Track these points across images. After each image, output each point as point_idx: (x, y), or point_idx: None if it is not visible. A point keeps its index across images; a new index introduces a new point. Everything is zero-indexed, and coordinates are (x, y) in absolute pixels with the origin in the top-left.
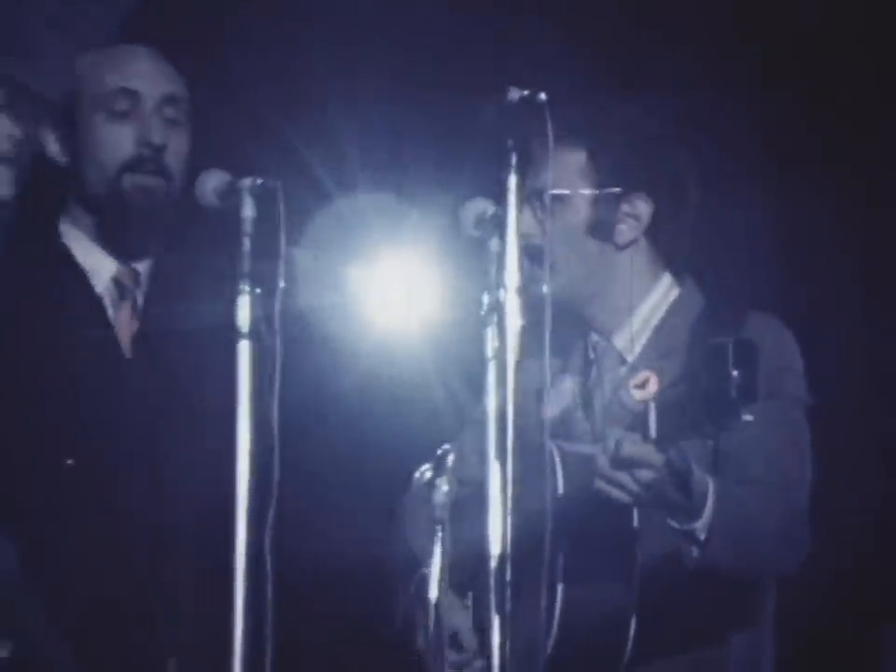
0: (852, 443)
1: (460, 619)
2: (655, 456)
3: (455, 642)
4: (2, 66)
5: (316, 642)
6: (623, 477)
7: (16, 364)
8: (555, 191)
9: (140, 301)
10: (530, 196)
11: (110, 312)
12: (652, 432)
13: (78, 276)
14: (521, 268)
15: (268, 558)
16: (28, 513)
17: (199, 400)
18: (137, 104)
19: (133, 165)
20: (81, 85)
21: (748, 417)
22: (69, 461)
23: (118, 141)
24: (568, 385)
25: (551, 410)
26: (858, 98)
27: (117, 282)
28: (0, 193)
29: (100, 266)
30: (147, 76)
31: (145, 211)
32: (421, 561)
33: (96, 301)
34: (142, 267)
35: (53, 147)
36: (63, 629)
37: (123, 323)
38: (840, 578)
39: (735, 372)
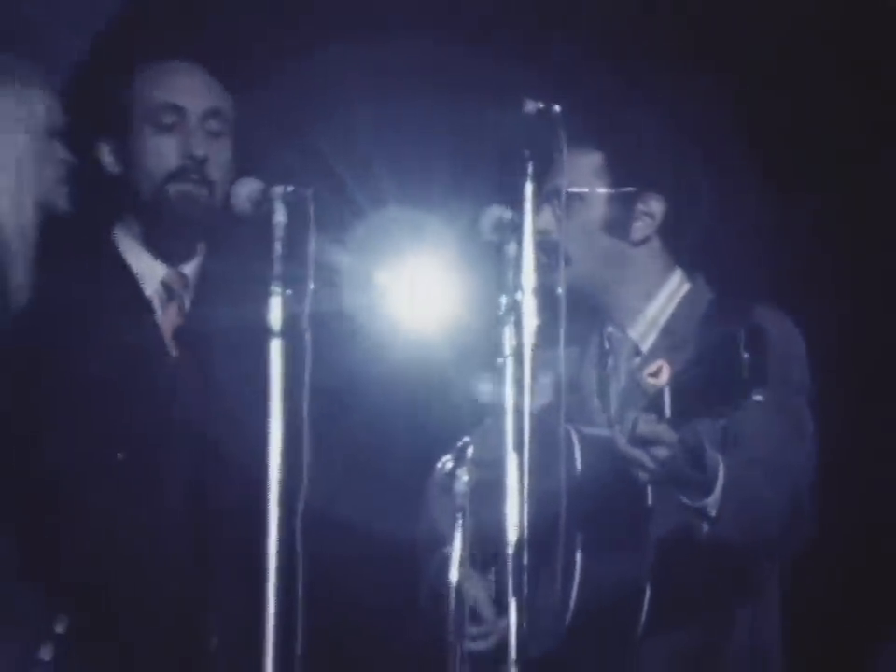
0: (851, 428)
1: (481, 593)
2: (669, 435)
3: (475, 615)
4: (55, 91)
5: (345, 617)
6: (641, 454)
7: (71, 362)
8: (574, 190)
9: (187, 303)
10: (549, 195)
11: (158, 313)
12: (667, 413)
13: (130, 280)
14: (538, 264)
15: (299, 540)
16: (81, 503)
17: (238, 396)
18: (182, 117)
19: (177, 175)
20: (133, 100)
21: (757, 398)
22: (119, 455)
23: (164, 152)
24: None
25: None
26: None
27: (165, 285)
28: (58, 209)
29: (150, 270)
30: (191, 91)
31: (188, 217)
32: (443, 540)
33: (146, 304)
34: (189, 270)
35: (108, 158)
36: (112, 609)
37: (170, 324)
38: (845, 556)
39: (746, 355)
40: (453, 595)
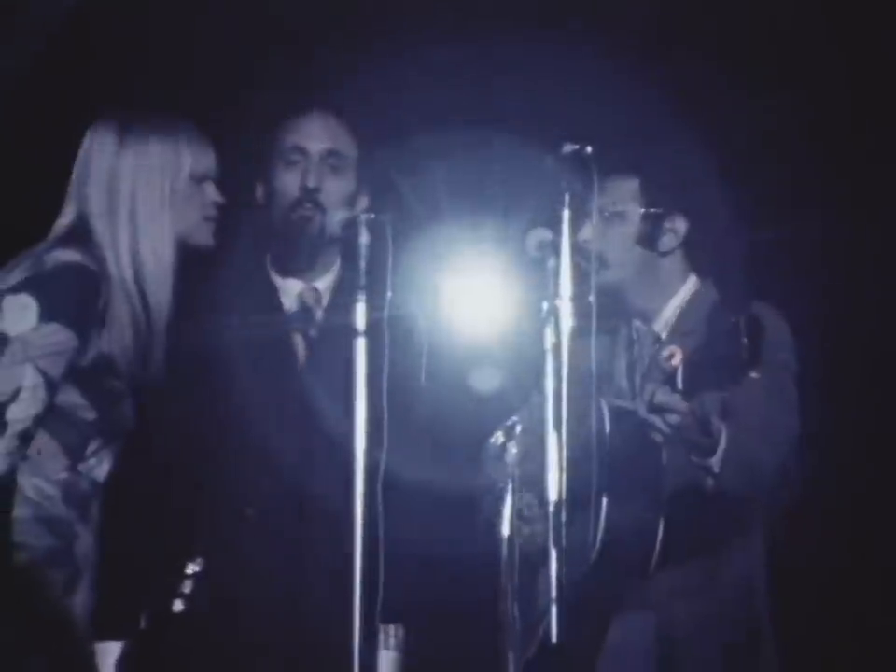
0: (831, 401)
1: (528, 499)
2: (681, 404)
3: (522, 516)
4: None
5: (420, 556)
6: (657, 420)
7: (219, 367)
8: (615, 209)
9: (319, 314)
10: (591, 213)
11: (294, 325)
12: (679, 386)
13: (273, 294)
14: (576, 271)
15: (380, 497)
16: (225, 493)
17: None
18: (305, 157)
19: (296, 203)
20: (275, 144)
21: (753, 375)
22: (257, 452)
23: (289, 185)
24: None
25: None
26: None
27: (301, 298)
28: (205, 243)
29: (289, 285)
30: (313, 135)
31: (308, 238)
32: (494, 494)
33: (284, 314)
34: (321, 285)
35: (259, 193)
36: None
37: (301, 333)
38: (822, 505)
39: (744, 340)
40: (505, 546)
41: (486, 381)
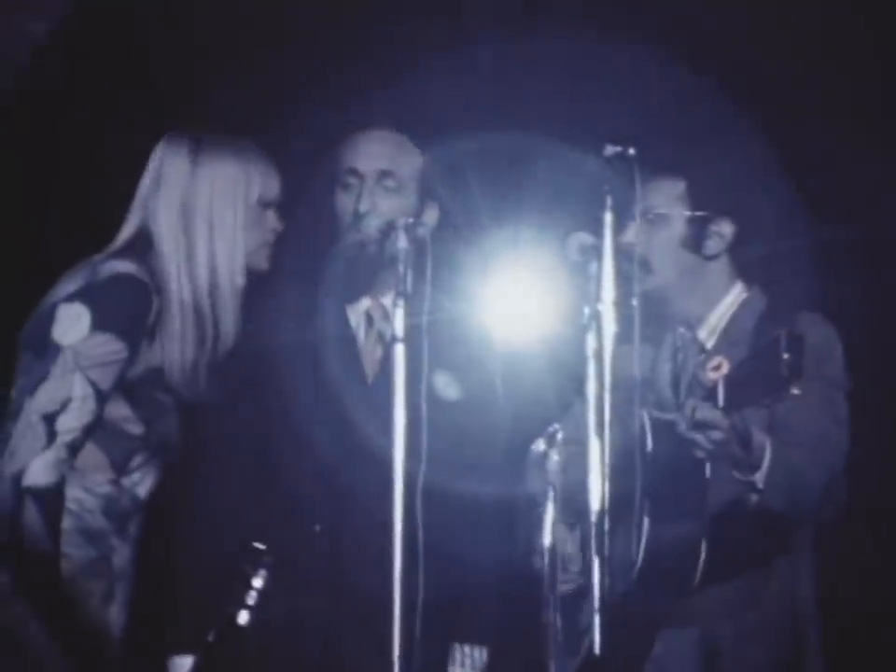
0: (883, 420)
1: (568, 548)
2: (723, 421)
3: (565, 566)
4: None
5: (456, 567)
6: (699, 436)
7: (278, 383)
8: (660, 211)
9: (387, 332)
10: (636, 216)
11: (360, 340)
12: (721, 402)
13: (341, 310)
14: (619, 275)
15: (419, 508)
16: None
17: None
18: (360, 178)
19: (349, 227)
20: (334, 165)
21: (795, 391)
22: (317, 527)
23: (344, 207)
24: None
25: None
26: None
27: (367, 314)
28: (261, 268)
29: (357, 303)
30: (368, 156)
31: (362, 258)
32: (536, 504)
33: (349, 330)
34: (388, 301)
35: (318, 214)
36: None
37: (369, 350)
38: (870, 522)
39: (786, 356)
40: (547, 553)
41: (527, 388)
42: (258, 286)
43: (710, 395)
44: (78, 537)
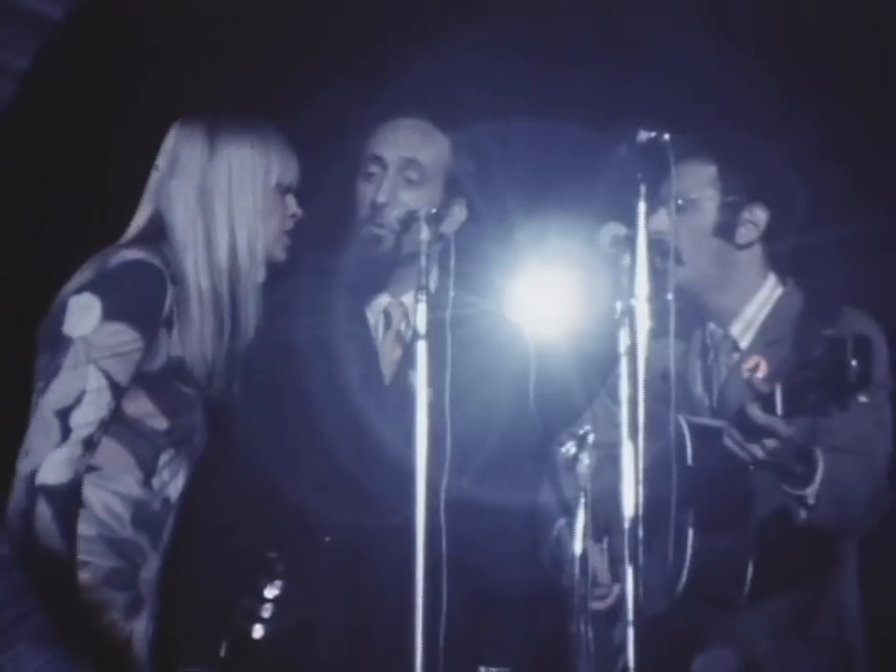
0: None
1: (598, 561)
2: (783, 428)
3: (595, 580)
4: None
5: (480, 572)
6: (752, 444)
7: (302, 376)
8: (690, 196)
9: (404, 330)
10: (665, 201)
11: (378, 338)
12: (779, 409)
13: (358, 308)
14: (651, 269)
15: (442, 516)
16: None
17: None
18: (383, 166)
19: (366, 220)
20: (360, 153)
21: (863, 399)
22: (327, 539)
23: (364, 198)
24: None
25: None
26: None
27: (386, 313)
28: (278, 257)
29: (376, 300)
30: (392, 143)
31: (380, 252)
32: (563, 513)
33: (366, 329)
34: (408, 300)
35: (342, 204)
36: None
37: (387, 349)
38: None
39: (854, 362)
40: (577, 563)
41: (555, 389)
42: (275, 279)
43: (763, 398)
44: (102, 545)
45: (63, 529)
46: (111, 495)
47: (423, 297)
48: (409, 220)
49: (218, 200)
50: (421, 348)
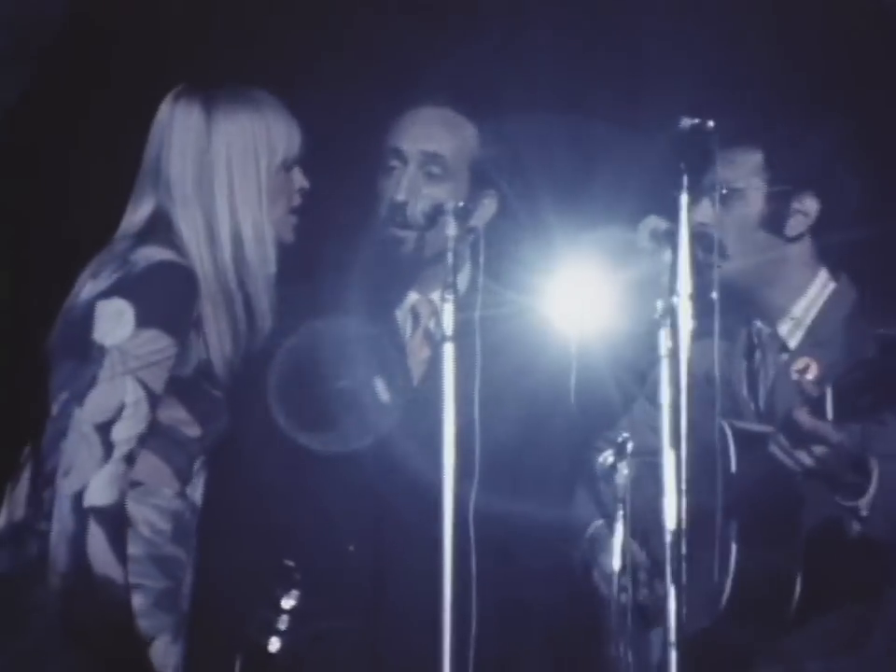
0: None
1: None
2: (834, 434)
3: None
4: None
5: (512, 584)
6: (800, 451)
7: (325, 379)
8: (735, 185)
9: (432, 328)
10: (708, 189)
11: (406, 337)
12: (829, 414)
13: (385, 307)
14: (694, 264)
15: (472, 527)
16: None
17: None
18: (403, 161)
19: (386, 219)
20: (380, 145)
21: None
22: (351, 547)
23: (384, 195)
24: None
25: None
26: None
27: (413, 310)
28: (286, 239)
29: (403, 299)
30: (412, 136)
31: (402, 250)
32: (603, 522)
33: (395, 327)
34: (436, 296)
35: (362, 199)
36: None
37: (414, 350)
38: None
39: None
40: (616, 579)
41: (593, 394)
42: (294, 277)
43: (812, 402)
44: (151, 566)
45: (118, 555)
46: (152, 509)
47: (450, 296)
48: (435, 214)
49: (219, 189)
50: (448, 351)
